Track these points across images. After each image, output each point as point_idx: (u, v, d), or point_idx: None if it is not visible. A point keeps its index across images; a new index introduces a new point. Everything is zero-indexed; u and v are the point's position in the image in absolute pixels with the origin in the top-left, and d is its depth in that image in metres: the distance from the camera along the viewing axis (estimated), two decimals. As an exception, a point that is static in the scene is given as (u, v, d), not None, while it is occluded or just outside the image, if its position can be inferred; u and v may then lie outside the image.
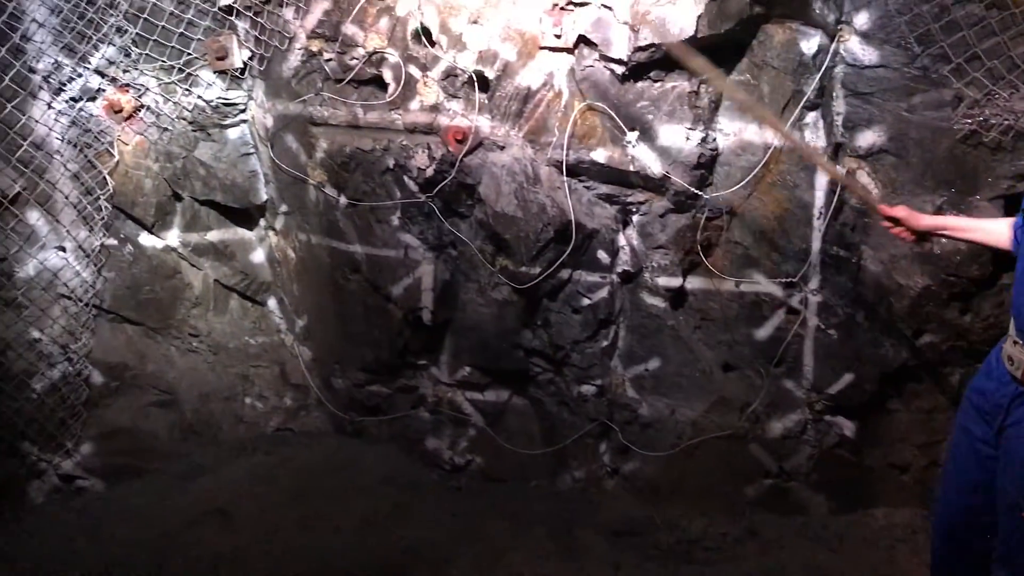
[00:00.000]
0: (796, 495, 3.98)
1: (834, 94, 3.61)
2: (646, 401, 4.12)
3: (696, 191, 3.78)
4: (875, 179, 3.59)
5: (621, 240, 4.01)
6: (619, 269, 4.02)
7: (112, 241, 4.47)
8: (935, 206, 3.47)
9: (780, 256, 3.80)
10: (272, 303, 4.79)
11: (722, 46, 3.66)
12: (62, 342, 4.39)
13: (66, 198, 4.32)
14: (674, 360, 4.08)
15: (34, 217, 4.29)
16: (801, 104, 3.61)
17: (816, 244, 3.72)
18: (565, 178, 3.91)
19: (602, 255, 3.99)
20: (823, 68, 3.56)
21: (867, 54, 3.49)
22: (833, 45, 3.55)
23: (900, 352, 3.68)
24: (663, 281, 3.98)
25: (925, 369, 3.71)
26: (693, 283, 4.00)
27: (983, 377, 2.73)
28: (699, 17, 3.51)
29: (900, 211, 3.00)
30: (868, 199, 3.36)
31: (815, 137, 3.66)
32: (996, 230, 2.85)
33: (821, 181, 3.67)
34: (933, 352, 3.62)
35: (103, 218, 4.38)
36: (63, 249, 4.38)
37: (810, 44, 3.58)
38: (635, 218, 3.99)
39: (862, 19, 3.48)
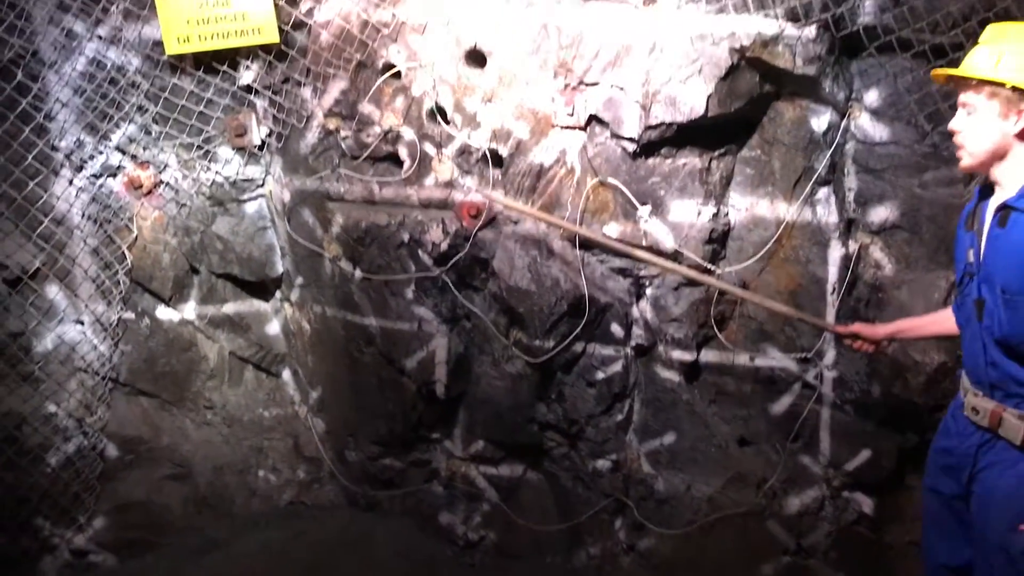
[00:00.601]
0: (815, 573, 3.91)
1: (846, 170, 3.65)
2: (662, 476, 4.08)
3: (709, 265, 3.79)
4: (888, 254, 3.59)
5: (635, 313, 4.01)
6: (633, 342, 4.01)
7: (129, 315, 4.51)
8: (949, 282, 3.47)
9: (794, 331, 3.79)
10: (286, 375, 4.80)
11: (733, 123, 3.71)
12: (78, 416, 4.40)
13: (85, 272, 4.37)
14: (689, 435, 4.05)
15: (53, 292, 4.34)
16: (813, 180, 3.64)
17: (830, 319, 3.70)
18: (578, 252, 3.93)
19: (616, 328, 4.00)
20: (834, 144, 3.60)
21: (878, 131, 3.53)
22: (844, 122, 3.59)
23: (917, 428, 3.63)
24: (677, 354, 3.96)
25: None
26: (707, 357, 3.98)
27: (943, 437, 2.82)
28: (709, 96, 3.56)
29: (856, 328, 3.19)
30: (822, 324, 3.48)
31: (827, 213, 3.68)
32: (946, 318, 2.92)
33: (834, 256, 3.68)
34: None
35: (121, 292, 4.42)
36: (81, 323, 4.42)
37: (821, 121, 3.62)
38: (648, 291, 3.99)
39: (872, 97, 3.52)
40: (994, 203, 2.55)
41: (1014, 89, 2.37)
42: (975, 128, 2.48)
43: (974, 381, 2.66)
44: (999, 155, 2.47)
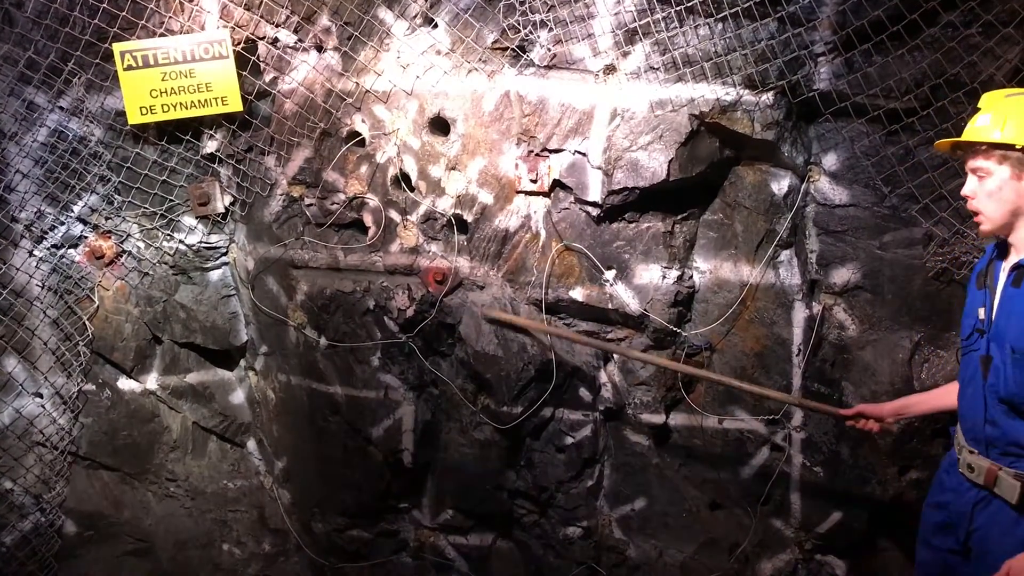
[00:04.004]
0: (791, 639, 3.86)
1: (807, 232, 3.68)
2: (633, 543, 4.03)
3: (675, 328, 3.80)
4: (852, 315, 3.62)
5: (603, 377, 3.99)
6: (602, 406, 3.99)
7: (90, 386, 4.43)
8: (913, 342, 3.50)
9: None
10: (251, 445, 4.71)
11: (695, 187, 3.74)
12: (35, 492, 4.30)
13: (45, 344, 4.30)
14: (660, 499, 4.01)
15: (11, 364, 4.27)
16: (775, 243, 3.67)
17: (797, 380, 3.71)
18: (545, 316, 3.92)
19: (584, 392, 3.97)
20: (795, 207, 3.64)
21: (837, 194, 3.57)
22: (804, 185, 3.64)
23: (887, 489, 3.62)
24: (646, 418, 3.94)
25: (913, 506, 3.65)
26: (676, 420, 3.96)
27: (937, 493, 2.84)
28: (671, 161, 3.59)
29: (860, 408, 3.18)
30: (828, 410, 3.39)
31: (790, 275, 3.70)
32: (951, 391, 2.89)
33: (799, 317, 3.69)
34: (920, 489, 3.57)
35: (82, 364, 4.35)
36: (40, 396, 4.34)
37: (781, 185, 3.66)
38: (616, 355, 3.98)
39: (830, 160, 3.57)
40: (1009, 263, 2.59)
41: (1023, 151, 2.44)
42: (990, 192, 2.52)
43: (970, 439, 2.67)
44: (1017, 215, 2.52)
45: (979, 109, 2.58)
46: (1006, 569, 2.43)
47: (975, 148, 2.54)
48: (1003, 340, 2.53)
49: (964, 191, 2.63)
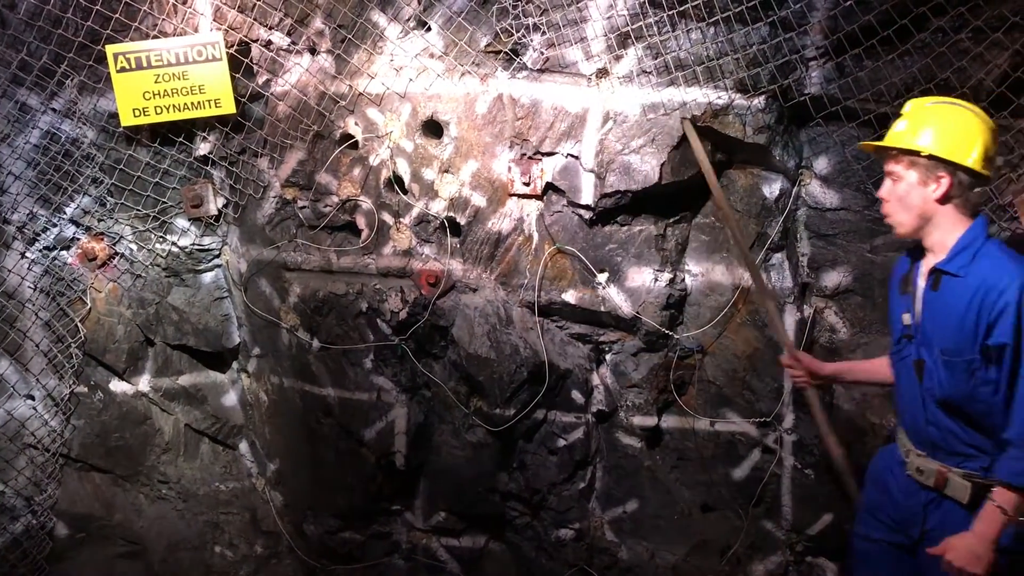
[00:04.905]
0: (782, 641, 3.88)
1: (798, 236, 3.70)
2: (625, 545, 4.04)
3: (667, 331, 3.81)
4: (843, 318, 3.63)
5: (595, 379, 4.00)
6: (594, 408, 4.00)
7: (82, 388, 4.43)
8: (903, 344, 3.50)
9: (753, 395, 3.80)
10: (244, 447, 4.71)
11: (687, 191, 3.76)
12: (26, 494, 4.29)
13: (36, 346, 4.29)
14: (652, 501, 4.02)
15: (3, 366, 4.27)
16: (766, 246, 3.69)
17: (788, 383, 3.72)
18: (537, 319, 3.93)
19: (576, 395, 3.98)
20: (786, 211, 3.66)
21: (828, 197, 3.60)
22: (795, 189, 3.66)
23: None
24: (638, 420, 3.95)
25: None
26: (668, 422, 3.97)
27: (875, 491, 2.86)
28: (663, 164, 3.61)
29: (804, 357, 3.20)
30: (783, 335, 3.44)
31: (781, 278, 3.71)
32: (886, 364, 2.95)
33: (790, 320, 3.71)
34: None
35: (74, 366, 4.34)
36: (32, 398, 4.33)
37: (772, 188, 3.68)
38: (608, 357, 4.00)
39: (821, 164, 3.59)
40: (926, 267, 2.64)
41: (930, 157, 2.49)
42: (899, 196, 2.58)
43: (916, 441, 2.72)
44: (926, 221, 2.56)
45: (901, 115, 2.65)
46: (944, 546, 2.50)
47: (890, 152, 2.60)
48: (931, 344, 2.58)
49: (879, 193, 2.69)
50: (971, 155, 2.48)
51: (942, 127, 2.51)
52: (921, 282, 2.65)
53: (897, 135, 2.59)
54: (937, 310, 2.57)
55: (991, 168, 2.55)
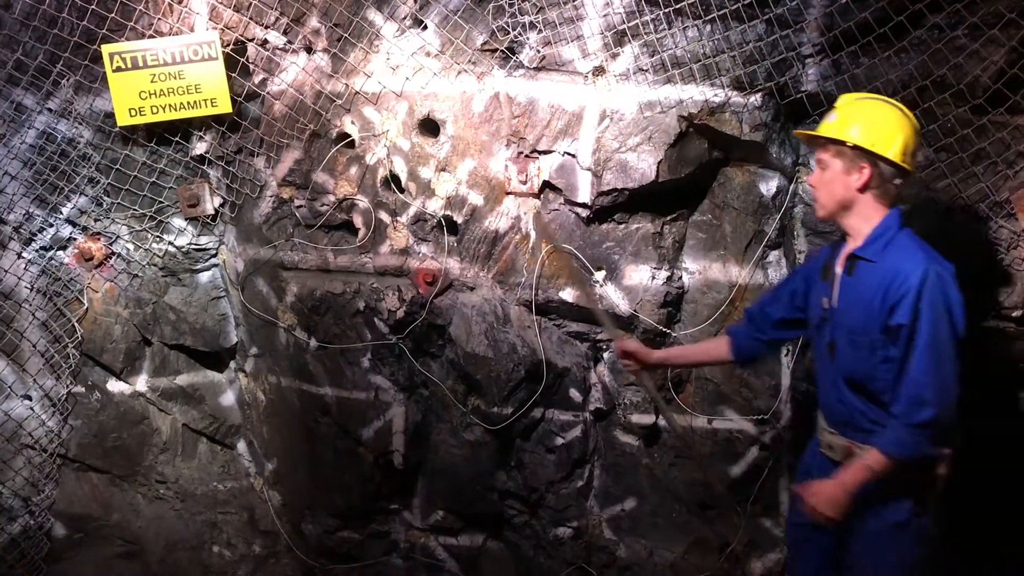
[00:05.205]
0: (781, 638, 3.88)
1: (795, 233, 3.70)
2: (624, 543, 4.04)
3: (664, 329, 3.81)
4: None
5: (593, 377, 4.00)
6: (592, 407, 4.00)
7: (79, 388, 4.42)
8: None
9: (751, 392, 3.80)
10: (241, 446, 4.71)
11: (684, 188, 3.76)
12: (24, 495, 4.29)
13: (34, 347, 4.29)
14: (650, 499, 4.02)
15: (0, 367, 4.24)
16: (763, 243, 3.69)
17: (786, 380, 3.73)
18: (535, 317, 3.93)
19: (574, 393, 3.98)
20: (783, 208, 3.66)
21: (825, 194, 3.58)
22: (792, 186, 3.66)
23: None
24: (636, 418, 3.95)
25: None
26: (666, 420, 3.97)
27: (804, 476, 2.97)
28: (659, 162, 3.61)
29: (632, 345, 3.32)
30: (608, 325, 3.62)
31: (778, 275, 3.72)
32: (715, 346, 3.27)
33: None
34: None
35: (71, 366, 4.33)
36: (29, 398, 4.33)
37: (769, 186, 3.68)
38: (606, 355, 4.00)
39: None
40: (844, 254, 2.79)
41: (855, 148, 2.63)
42: (825, 183, 2.73)
43: (830, 421, 2.87)
44: (846, 207, 2.71)
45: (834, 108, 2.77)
46: (806, 487, 2.74)
47: (819, 141, 2.74)
48: (843, 325, 2.74)
49: (808, 179, 2.88)
50: (892, 148, 2.62)
51: (868, 121, 2.65)
52: (839, 269, 2.80)
53: (828, 126, 2.72)
54: (851, 293, 2.73)
55: (911, 162, 2.68)
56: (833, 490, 2.65)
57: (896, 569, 2.73)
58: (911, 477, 2.65)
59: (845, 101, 2.75)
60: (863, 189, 2.66)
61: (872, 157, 2.62)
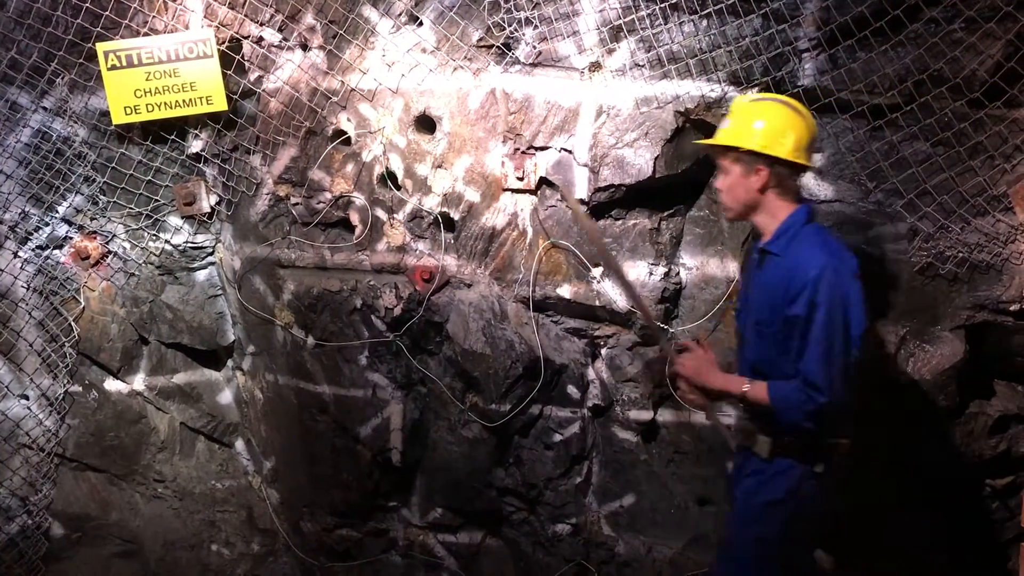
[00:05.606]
0: (780, 634, 3.87)
1: (792, 228, 3.68)
2: (622, 539, 4.04)
3: (662, 325, 3.80)
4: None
5: (591, 374, 4.00)
6: (590, 403, 4.00)
7: (76, 388, 4.42)
8: (899, 336, 3.51)
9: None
10: (239, 445, 4.70)
11: (681, 184, 3.75)
12: (22, 494, 4.28)
13: (30, 346, 4.28)
14: (649, 495, 4.02)
15: (-4, 366, 4.25)
16: (761, 239, 3.68)
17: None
18: (532, 314, 3.93)
19: (572, 390, 3.98)
20: (780, 203, 3.64)
21: (823, 189, 3.58)
22: (789, 181, 3.64)
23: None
24: (634, 414, 3.95)
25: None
26: (664, 416, 3.97)
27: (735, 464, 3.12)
28: (656, 158, 3.60)
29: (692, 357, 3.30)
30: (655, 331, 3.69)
31: (776, 271, 3.71)
32: None
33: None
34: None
35: (68, 365, 4.33)
36: (26, 398, 4.32)
37: (767, 181, 3.66)
38: (604, 351, 3.99)
39: (815, 156, 3.56)
40: (758, 248, 2.90)
41: (749, 152, 2.72)
42: (728, 187, 2.83)
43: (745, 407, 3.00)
44: (752, 208, 2.82)
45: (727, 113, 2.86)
46: (683, 356, 2.99)
47: (716, 149, 2.84)
48: (752, 315, 2.87)
49: (716, 183, 2.96)
50: (784, 147, 2.69)
51: (760, 123, 2.72)
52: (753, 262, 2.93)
53: (723, 133, 2.80)
54: (760, 285, 2.84)
55: (807, 157, 2.77)
56: (710, 376, 2.90)
57: (751, 543, 2.88)
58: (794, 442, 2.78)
59: (738, 105, 2.84)
60: (763, 189, 2.75)
61: (767, 159, 2.70)
